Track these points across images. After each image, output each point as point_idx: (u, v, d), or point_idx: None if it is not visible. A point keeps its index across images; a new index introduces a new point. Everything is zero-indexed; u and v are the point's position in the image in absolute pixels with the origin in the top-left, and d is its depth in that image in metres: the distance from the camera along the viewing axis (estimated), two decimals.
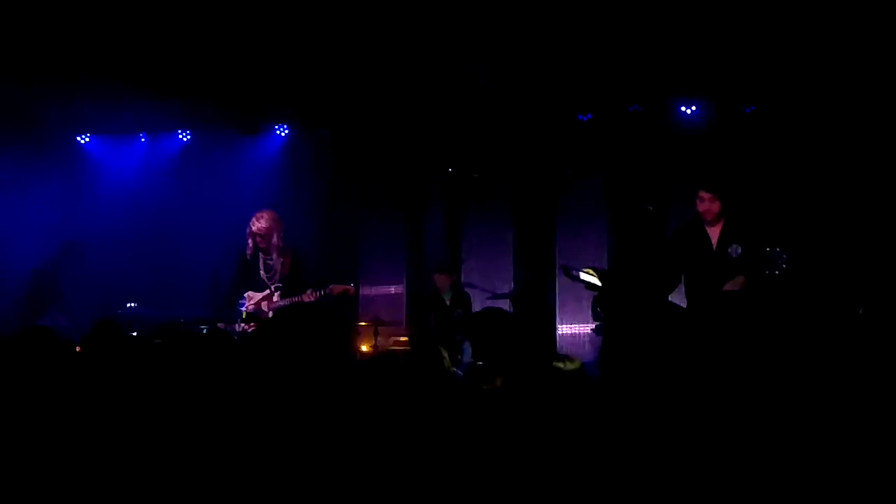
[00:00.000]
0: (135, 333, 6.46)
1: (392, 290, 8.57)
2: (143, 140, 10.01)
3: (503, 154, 9.13)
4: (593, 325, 7.98)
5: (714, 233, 6.06)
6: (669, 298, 6.29)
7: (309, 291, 6.74)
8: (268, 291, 6.89)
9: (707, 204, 6.04)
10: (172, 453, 3.05)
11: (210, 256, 7.82)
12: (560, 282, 9.13)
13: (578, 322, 8.67)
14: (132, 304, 7.93)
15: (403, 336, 8.40)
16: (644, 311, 3.51)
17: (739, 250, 5.90)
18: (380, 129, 9.24)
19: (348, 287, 6.95)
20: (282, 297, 6.84)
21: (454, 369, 7.27)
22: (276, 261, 6.90)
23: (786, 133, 8.16)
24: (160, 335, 5.78)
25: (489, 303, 8.12)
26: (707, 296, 5.93)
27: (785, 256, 5.66)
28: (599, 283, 4.26)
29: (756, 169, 8.02)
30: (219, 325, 6.60)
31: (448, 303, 8.63)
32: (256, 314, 6.85)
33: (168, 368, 3.46)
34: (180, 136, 9.85)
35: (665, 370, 3.18)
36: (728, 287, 5.83)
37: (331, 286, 6.82)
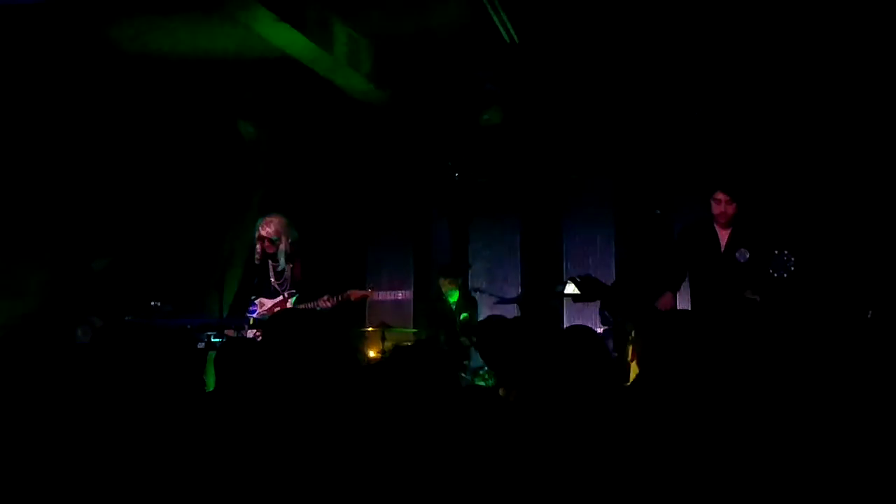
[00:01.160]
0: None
1: (399, 295, 8.55)
2: None
3: (510, 159, 9.14)
4: (601, 329, 7.96)
5: (724, 235, 6.02)
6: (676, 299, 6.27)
7: (325, 297, 6.69)
8: (281, 298, 6.86)
9: (723, 206, 5.99)
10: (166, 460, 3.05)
11: (218, 262, 7.80)
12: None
13: (586, 324, 8.66)
14: (157, 303, 7.86)
15: (410, 341, 8.40)
16: (649, 316, 3.50)
17: (747, 255, 5.85)
18: (386, 134, 9.25)
19: (367, 292, 6.90)
20: (297, 303, 6.80)
21: (461, 374, 7.28)
22: (285, 267, 6.86)
23: (795, 136, 8.14)
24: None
25: (497, 308, 8.12)
26: (712, 298, 5.90)
27: (793, 259, 5.62)
28: (579, 292, 4.26)
29: (766, 171, 7.99)
30: (226, 331, 6.57)
31: (454, 307, 8.63)
32: (265, 320, 6.81)
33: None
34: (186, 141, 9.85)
35: (672, 372, 3.16)
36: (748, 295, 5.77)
37: (348, 291, 6.76)
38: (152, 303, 7.63)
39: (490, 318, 4.72)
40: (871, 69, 7.56)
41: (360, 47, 7.76)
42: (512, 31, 7.31)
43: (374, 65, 8.00)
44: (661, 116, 8.62)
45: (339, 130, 9.35)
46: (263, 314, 6.84)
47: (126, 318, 7.72)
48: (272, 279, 6.87)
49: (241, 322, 6.79)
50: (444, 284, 8.71)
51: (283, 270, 6.85)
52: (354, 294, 6.76)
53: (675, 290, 6.21)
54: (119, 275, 8.22)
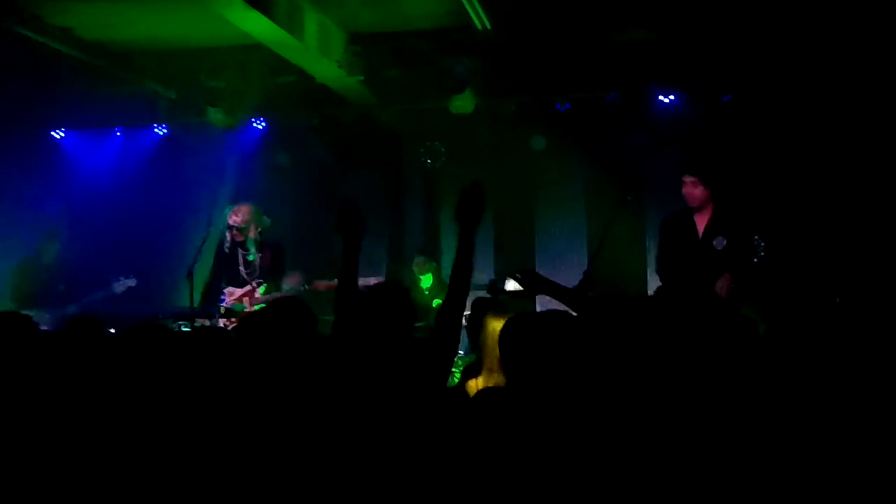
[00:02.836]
0: (112, 330, 6.37)
1: (372, 281, 8.49)
2: (118, 134, 9.91)
3: (481, 145, 9.13)
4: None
5: (701, 222, 6.00)
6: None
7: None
8: (249, 287, 6.84)
9: (689, 188, 5.96)
10: (155, 453, 3.03)
11: (188, 251, 7.76)
12: (540, 271, 9.14)
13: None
14: (122, 280, 7.71)
15: None
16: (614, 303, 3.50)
17: (724, 242, 5.83)
18: (359, 122, 9.21)
19: (332, 284, 6.90)
20: (264, 293, 6.80)
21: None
22: (255, 256, 6.83)
23: (764, 122, 8.20)
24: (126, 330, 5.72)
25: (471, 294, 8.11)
26: (687, 285, 5.88)
27: (763, 244, 5.64)
28: (522, 288, 4.25)
29: (739, 157, 8.02)
30: (197, 320, 6.54)
31: (427, 293, 8.62)
32: (235, 309, 6.78)
33: (140, 365, 3.42)
34: (156, 130, 9.76)
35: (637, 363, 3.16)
36: (717, 289, 5.73)
37: (315, 282, 6.78)
38: (118, 279, 7.52)
39: (480, 299, 4.74)
40: (844, 58, 7.62)
41: (330, 34, 7.70)
42: (484, 18, 7.29)
43: (346, 52, 7.95)
44: (633, 101, 8.65)
45: (310, 117, 9.30)
46: (233, 303, 6.82)
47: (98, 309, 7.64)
48: (241, 268, 6.85)
49: (212, 311, 6.77)
50: (419, 265, 8.69)
51: (253, 260, 6.83)
52: (320, 285, 6.77)
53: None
54: (69, 261, 8.12)
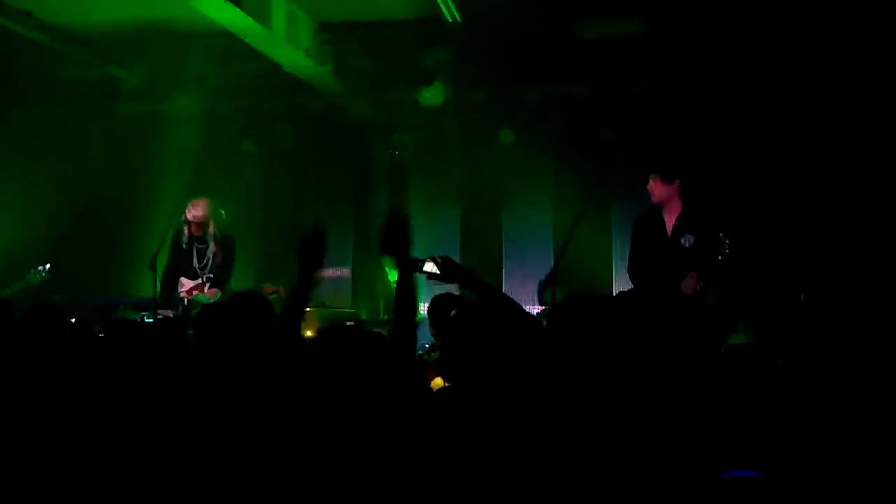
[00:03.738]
0: (73, 320, 6.29)
1: (339, 273, 8.47)
2: (79, 120, 9.70)
3: (449, 138, 9.10)
4: (539, 309, 7.99)
5: (670, 220, 6.01)
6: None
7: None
8: (199, 281, 6.83)
9: (650, 185, 6.00)
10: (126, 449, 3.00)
11: (150, 240, 7.66)
12: (507, 265, 9.17)
13: (524, 304, 8.65)
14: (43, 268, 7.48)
15: (349, 320, 8.34)
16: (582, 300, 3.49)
17: (692, 240, 5.86)
18: (326, 112, 9.14)
19: (279, 289, 6.87)
20: (212, 286, 6.81)
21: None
22: (209, 249, 6.83)
23: (732, 118, 8.24)
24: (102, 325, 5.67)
25: (438, 288, 8.07)
26: (655, 284, 5.90)
27: (728, 242, 5.67)
28: (438, 272, 4.25)
29: (707, 154, 8.06)
30: (159, 311, 6.48)
31: (394, 286, 8.56)
32: (199, 300, 6.74)
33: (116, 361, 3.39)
34: (119, 116, 9.56)
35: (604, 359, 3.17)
36: (683, 288, 5.74)
37: (262, 287, 6.84)
38: (35, 269, 7.32)
39: (440, 296, 4.72)
40: (812, 54, 7.67)
41: (299, 23, 7.62)
42: (454, 10, 7.25)
43: (314, 41, 7.88)
44: (602, 97, 8.66)
45: (276, 106, 9.21)
46: (184, 294, 6.82)
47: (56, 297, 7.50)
48: (195, 261, 6.85)
49: (174, 302, 6.76)
50: (389, 261, 8.62)
51: (207, 253, 6.83)
52: (267, 290, 6.80)
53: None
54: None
